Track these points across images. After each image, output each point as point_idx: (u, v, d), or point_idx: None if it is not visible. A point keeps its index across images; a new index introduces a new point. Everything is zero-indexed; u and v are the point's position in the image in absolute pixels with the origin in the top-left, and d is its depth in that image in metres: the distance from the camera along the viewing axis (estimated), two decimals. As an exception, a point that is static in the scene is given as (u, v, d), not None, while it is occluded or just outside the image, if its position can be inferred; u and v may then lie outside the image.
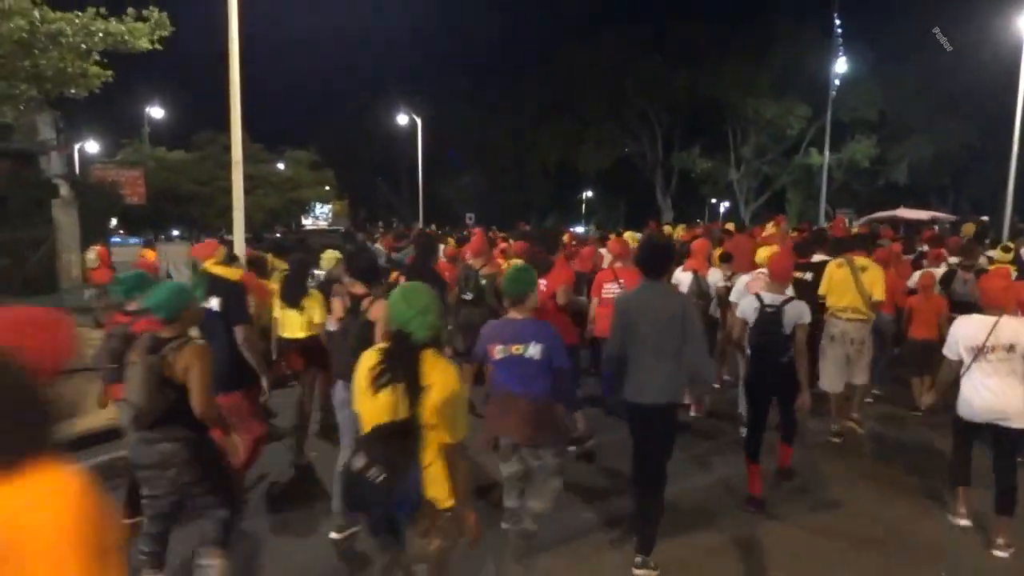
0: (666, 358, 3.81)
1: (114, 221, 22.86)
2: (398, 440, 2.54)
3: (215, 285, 4.92)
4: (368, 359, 2.70)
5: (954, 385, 4.44)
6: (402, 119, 36.62)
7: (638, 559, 3.96)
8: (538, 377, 3.73)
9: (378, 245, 17.78)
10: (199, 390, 3.31)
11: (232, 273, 5.16)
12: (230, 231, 11.55)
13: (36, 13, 10.65)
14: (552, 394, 3.81)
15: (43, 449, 1.45)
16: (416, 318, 2.65)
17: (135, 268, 6.09)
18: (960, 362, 4.37)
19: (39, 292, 15.22)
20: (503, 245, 11.02)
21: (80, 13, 11.19)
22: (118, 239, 23.73)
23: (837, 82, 29.67)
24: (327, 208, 44.74)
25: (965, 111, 32.85)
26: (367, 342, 3.44)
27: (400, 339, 2.66)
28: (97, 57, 11.82)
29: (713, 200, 50.20)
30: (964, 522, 4.61)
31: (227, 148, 11.04)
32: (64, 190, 16.13)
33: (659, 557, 4.01)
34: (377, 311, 3.84)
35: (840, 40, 29.39)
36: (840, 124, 32.87)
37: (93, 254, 15.91)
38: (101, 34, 11.30)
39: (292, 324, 5.83)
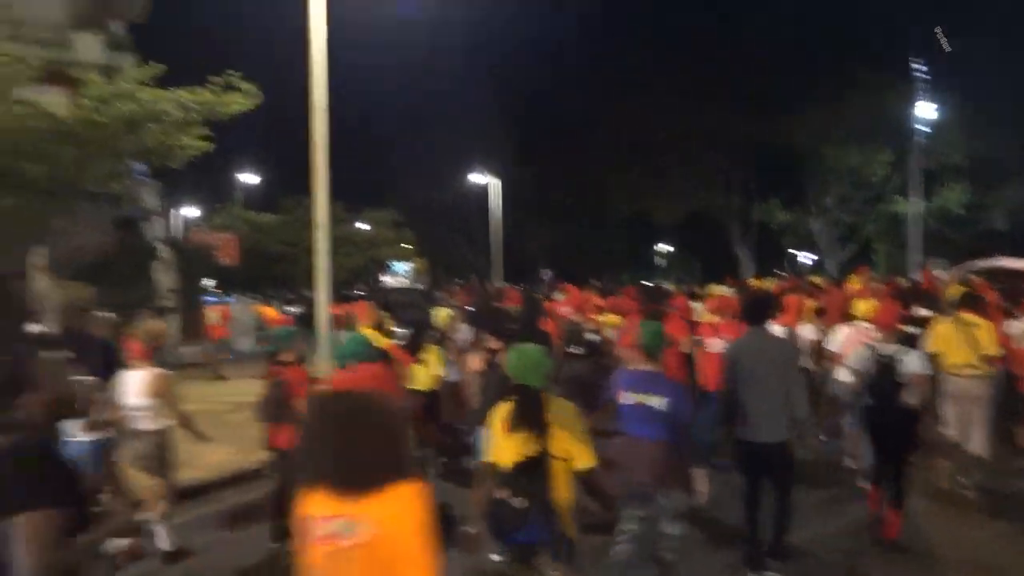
0: (776, 399, 4.23)
1: (210, 282, 24.19)
2: (534, 472, 3.07)
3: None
4: (502, 409, 3.37)
5: None
6: (478, 178, 37.51)
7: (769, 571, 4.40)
8: (664, 426, 4.00)
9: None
10: None
11: (383, 342, 5.75)
12: (311, 290, 11.97)
13: (142, 95, 11.52)
14: (676, 444, 4.04)
15: (405, 470, 2.08)
16: (531, 372, 3.30)
17: (280, 325, 7.12)
18: None
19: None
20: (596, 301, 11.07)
21: (179, 90, 11.97)
22: (214, 298, 25.05)
23: (923, 128, 28.62)
24: (406, 266, 45.90)
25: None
26: (505, 391, 3.79)
27: (523, 390, 3.27)
28: (199, 131, 12.54)
29: (795, 252, 48.81)
30: None
31: (311, 209, 11.52)
32: (164, 253, 17.19)
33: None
34: None
35: (921, 84, 28.48)
36: (929, 171, 31.56)
37: (216, 313, 17.07)
38: (197, 106, 12.00)
39: (417, 377, 6.43)
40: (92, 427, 4.58)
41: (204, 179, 29.51)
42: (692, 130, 36.23)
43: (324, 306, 11.65)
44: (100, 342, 6.41)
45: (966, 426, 6.13)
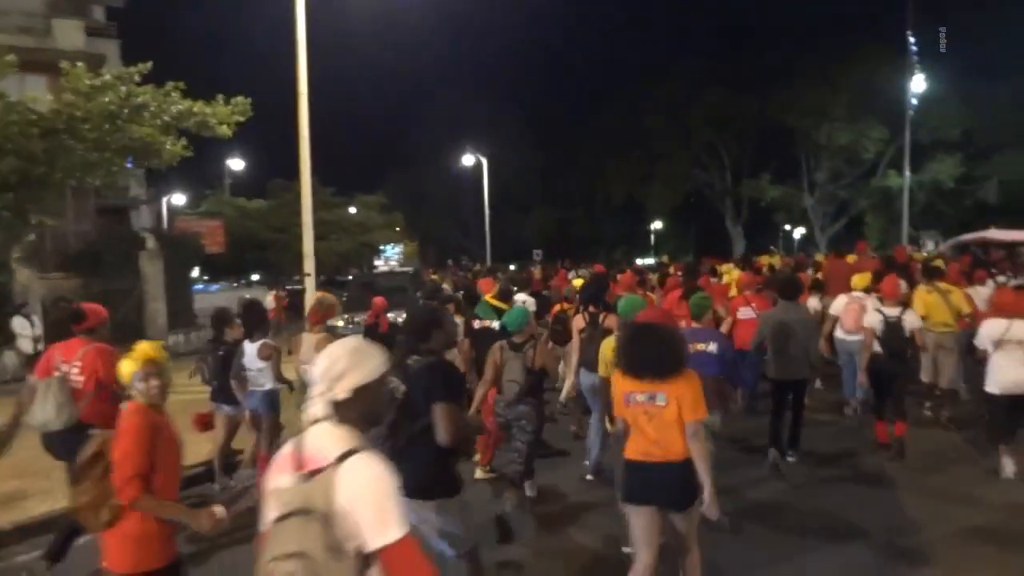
0: (801, 351, 6.27)
1: (196, 271, 23.99)
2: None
3: (496, 311, 7.28)
4: (608, 345, 5.46)
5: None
6: (468, 159, 37.29)
7: (791, 455, 6.50)
8: (714, 365, 5.08)
9: (445, 285, 17.84)
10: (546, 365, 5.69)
11: (505, 305, 7.33)
12: (303, 274, 11.89)
13: (123, 88, 11.33)
14: (724, 375, 5.26)
15: (683, 365, 3.68)
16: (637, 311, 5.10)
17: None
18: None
19: (127, 340, 16.02)
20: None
21: (160, 87, 11.83)
22: (200, 287, 24.80)
23: (915, 102, 28.44)
24: (398, 249, 45.73)
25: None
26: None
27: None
28: (177, 135, 12.45)
29: (787, 227, 48.80)
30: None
31: (300, 195, 11.41)
32: (150, 242, 16.99)
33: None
34: (611, 321, 6.10)
35: (916, 59, 28.26)
36: (920, 144, 31.45)
37: (270, 297, 17.25)
38: (182, 109, 11.90)
39: None
40: None
41: (191, 166, 29.27)
42: (689, 113, 36.05)
43: (311, 291, 11.59)
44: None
45: (939, 370, 7.85)
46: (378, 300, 10.41)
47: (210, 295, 19.96)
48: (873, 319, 6.82)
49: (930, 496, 5.68)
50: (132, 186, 20.92)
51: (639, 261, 40.39)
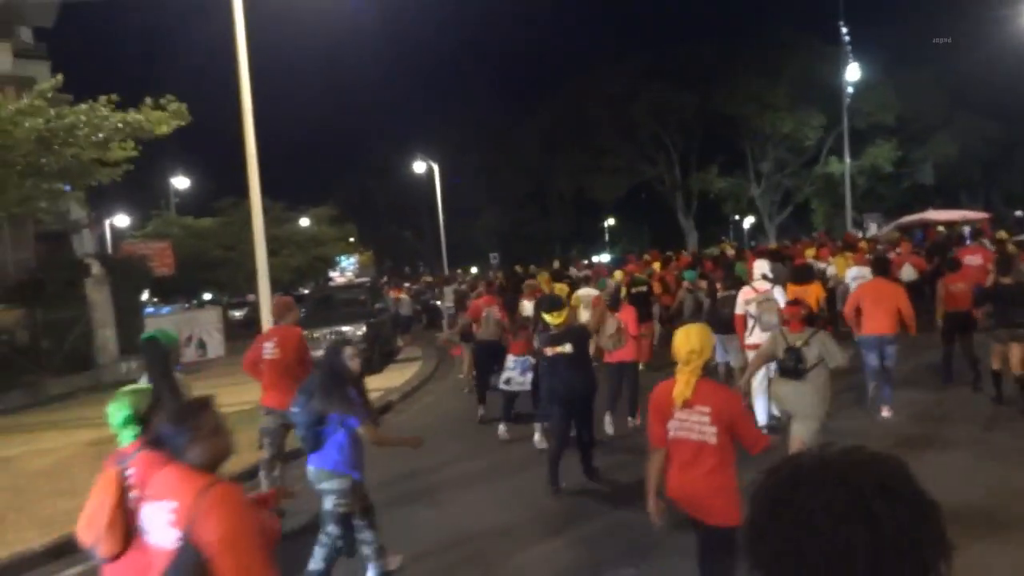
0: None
1: (145, 294, 23.35)
2: None
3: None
4: None
5: None
6: (418, 166, 37.10)
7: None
8: None
9: (403, 295, 17.75)
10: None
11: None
12: (255, 292, 11.73)
13: (52, 111, 10.99)
14: None
15: None
16: None
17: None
18: None
19: (78, 369, 15.51)
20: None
21: (93, 103, 11.51)
22: (152, 309, 24.13)
23: (850, 89, 29.36)
24: (352, 260, 45.23)
25: (982, 105, 32.37)
26: None
27: None
28: (123, 148, 12.15)
29: (736, 217, 49.77)
30: None
31: (250, 212, 11.22)
32: (96, 268, 16.48)
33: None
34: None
35: (849, 47, 29.15)
36: (858, 131, 32.47)
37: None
38: (120, 124, 11.61)
39: None
40: None
41: (134, 187, 28.46)
42: (631, 106, 36.43)
43: (266, 307, 11.39)
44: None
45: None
46: None
47: (161, 318, 19.40)
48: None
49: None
50: (73, 209, 20.23)
51: (595, 258, 40.76)
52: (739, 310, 7.49)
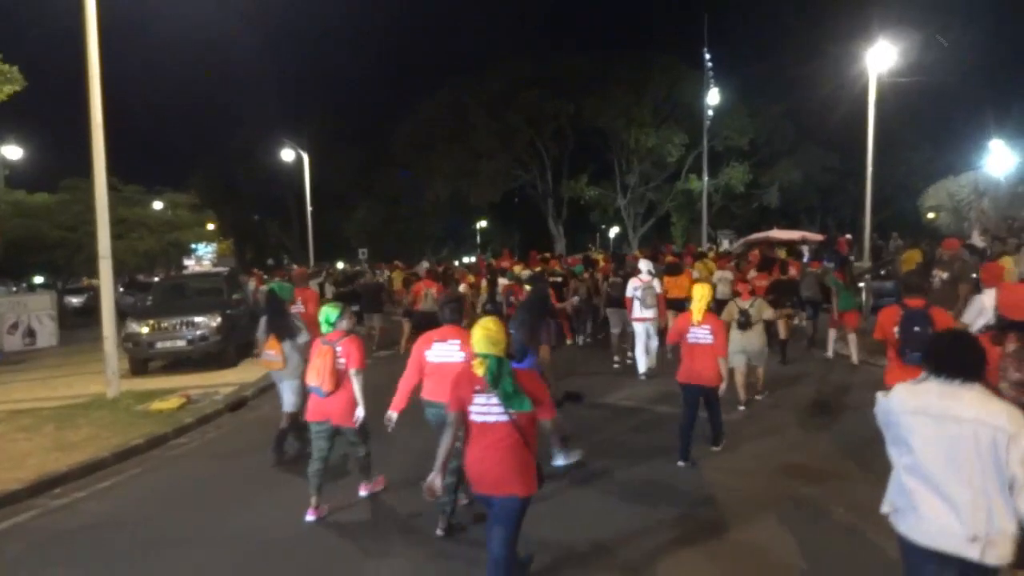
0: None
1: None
2: None
3: None
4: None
5: None
6: (287, 155, 35.67)
7: None
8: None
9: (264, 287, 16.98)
10: None
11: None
12: (96, 277, 10.77)
13: None
14: None
15: None
16: None
17: None
18: None
19: None
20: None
21: None
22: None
23: (711, 112, 31.35)
24: (211, 248, 42.67)
25: (824, 137, 35.62)
26: None
27: None
28: None
29: (603, 226, 51.69)
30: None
31: (93, 190, 10.28)
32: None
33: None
34: None
35: (711, 72, 31.10)
36: (716, 152, 34.78)
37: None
38: None
39: None
40: None
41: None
42: (508, 111, 36.83)
43: (108, 294, 10.52)
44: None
45: None
46: None
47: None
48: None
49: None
50: None
51: (465, 259, 40.89)
52: (628, 294, 10.21)
